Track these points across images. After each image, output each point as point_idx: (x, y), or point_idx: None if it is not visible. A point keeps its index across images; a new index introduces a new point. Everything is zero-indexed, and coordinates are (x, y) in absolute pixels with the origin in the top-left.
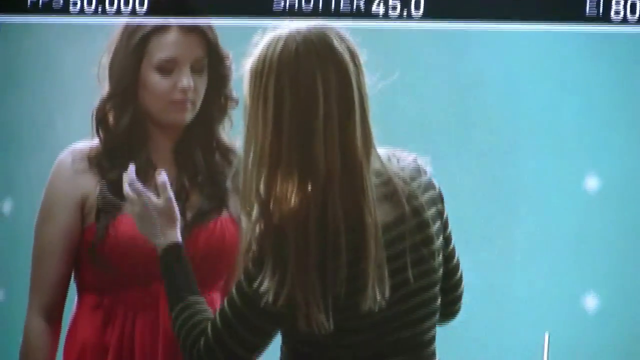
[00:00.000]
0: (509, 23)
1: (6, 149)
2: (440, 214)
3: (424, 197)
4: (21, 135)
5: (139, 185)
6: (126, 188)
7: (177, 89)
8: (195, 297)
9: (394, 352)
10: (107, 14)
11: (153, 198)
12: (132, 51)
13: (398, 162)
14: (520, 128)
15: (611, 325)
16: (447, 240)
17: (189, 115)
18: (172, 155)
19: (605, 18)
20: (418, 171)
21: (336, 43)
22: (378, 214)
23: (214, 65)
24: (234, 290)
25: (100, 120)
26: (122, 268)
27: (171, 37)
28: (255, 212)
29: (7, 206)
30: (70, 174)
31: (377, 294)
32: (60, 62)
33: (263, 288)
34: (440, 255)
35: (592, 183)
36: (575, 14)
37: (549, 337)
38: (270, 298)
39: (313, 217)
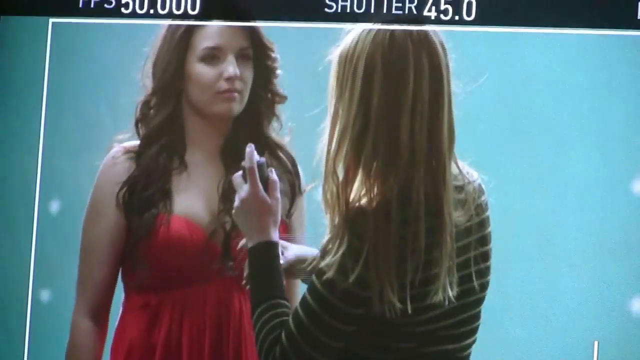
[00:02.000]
0: (559, 29)
1: (55, 149)
2: (490, 237)
3: (486, 214)
4: (69, 135)
5: (257, 176)
6: (237, 177)
7: (223, 78)
8: (280, 300)
9: None
10: (159, 15)
11: (264, 193)
12: (176, 45)
13: (468, 173)
14: (568, 131)
15: None
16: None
17: (237, 107)
18: (220, 153)
19: None
20: (482, 189)
21: (431, 33)
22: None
23: (259, 56)
24: (308, 289)
25: (142, 115)
26: (169, 268)
27: (215, 27)
28: (332, 193)
29: (55, 206)
30: (115, 172)
31: (447, 287)
32: (110, 62)
33: (340, 270)
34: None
35: (639, 186)
36: (627, 19)
37: (598, 345)
38: (349, 278)
39: (396, 198)
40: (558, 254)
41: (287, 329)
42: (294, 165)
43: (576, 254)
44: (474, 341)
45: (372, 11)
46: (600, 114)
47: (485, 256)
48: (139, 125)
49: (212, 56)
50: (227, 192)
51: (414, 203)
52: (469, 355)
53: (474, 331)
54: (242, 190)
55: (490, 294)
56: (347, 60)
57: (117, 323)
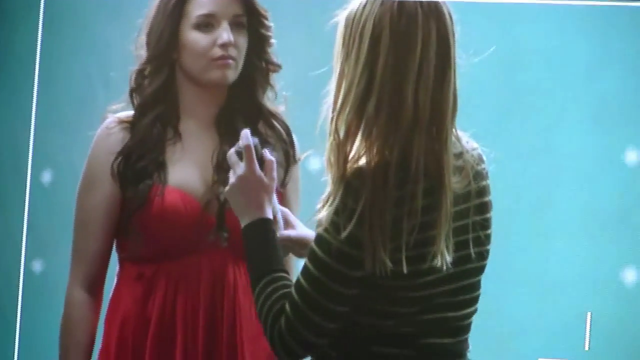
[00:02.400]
0: (555, 0)
1: (47, 121)
2: (491, 205)
3: (486, 182)
4: (62, 106)
5: (253, 154)
6: (232, 155)
7: (217, 45)
8: (281, 273)
9: (434, 332)
10: None
11: (260, 171)
12: (170, 13)
13: (467, 142)
14: (562, 103)
15: None
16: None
17: (231, 74)
18: (214, 123)
19: None
20: (482, 158)
21: (441, 3)
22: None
23: (253, 23)
24: (308, 256)
25: (137, 85)
26: (163, 239)
27: None
28: (333, 152)
29: (47, 177)
30: (110, 142)
31: (444, 251)
32: (102, 34)
33: (332, 227)
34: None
35: (631, 156)
36: None
37: (591, 316)
38: (340, 235)
39: (395, 160)
40: (551, 225)
41: (291, 298)
42: (289, 134)
43: (569, 224)
44: (474, 311)
45: None
46: (595, 85)
47: (485, 224)
48: (134, 95)
49: (206, 23)
50: (222, 163)
51: (413, 165)
52: (469, 324)
53: (473, 300)
54: (239, 168)
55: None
56: (354, 22)
57: (111, 294)
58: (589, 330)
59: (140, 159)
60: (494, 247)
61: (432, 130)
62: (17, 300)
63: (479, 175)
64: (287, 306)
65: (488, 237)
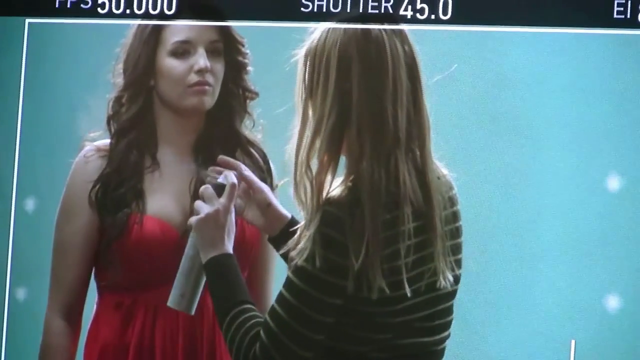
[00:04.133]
0: (536, 27)
1: (31, 148)
2: (461, 230)
3: (457, 207)
4: (46, 134)
5: (233, 190)
6: (209, 188)
7: (194, 71)
8: (250, 305)
9: (408, 357)
10: (136, 15)
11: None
12: (146, 40)
13: (438, 167)
14: (543, 130)
15: (635, 326)
16: None
17: (208, 100)
18: (192, 151)
19: (632, 21)
20: (452, 184)
21: (402, 26)
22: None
23: (230, 50)
24: (284, 284)
25: (114, 112)
26: (142, 268)
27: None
28: (305, 189)
29: (30, 204)
30: (87, 170)
31: (446, 270)
32: (87, 62)
33: (311, 257)
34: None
35: (613, 183)
36: (603, 17)
37: (575, 344)
38: (320, 265)
39: (384, 182)
40: (534, 252)
41: (265, 325)
42: (266, 161)
43: (552, 252)
44: (448, 335)
45: (348, 11)
46: (576, 112)
47: (458, 248)
48: (111, 122)
49: (182, 50)
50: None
51: (402, 187)
52: (444, 349)
53: (447, 325)
54: (216, 202)
55: (465, 294)
56: (316, 57)
57: (90, 323)
58: (573, 358)
59: (118, 186)
60: (476, 275)
61: (415, 151)
62: (2, 328)
63: (451, 201)
64: (262, 333)
65: (459, 261)
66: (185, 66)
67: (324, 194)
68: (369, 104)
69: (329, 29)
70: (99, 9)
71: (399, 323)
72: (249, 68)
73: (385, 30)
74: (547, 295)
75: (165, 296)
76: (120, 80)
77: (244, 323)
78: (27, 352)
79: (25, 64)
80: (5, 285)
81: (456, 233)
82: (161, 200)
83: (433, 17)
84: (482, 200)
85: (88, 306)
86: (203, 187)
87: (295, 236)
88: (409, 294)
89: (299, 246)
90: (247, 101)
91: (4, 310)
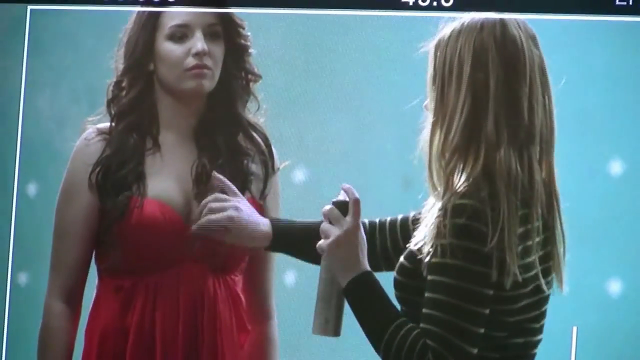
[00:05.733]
0: (536, 14)
1: (33, 132)
2: None
3: None
4: (47, 119)
5: (357, 205)
6: (333, 209)
7: (191, 54)
8: (404, 318)
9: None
10: (138, 2)
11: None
12: (145, 25)
13: None
14: None
15: (637, 310)
16: None
17: (207, 83)
18: (193, 134)
19: (635, 9)
20: None
21: (535, 33)
22: None
23: (229, 33)
24: (429, 288)
25: (114, 96)
26: (142, 251)
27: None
28: (439, 178)
29: (32, 189)
30: (88, 153)
31: (561, 274)
32: (89, 49)
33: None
34: None
35: (615, 167)
36: (604, 5)
37: (577, 331)
38: (488, 242)
39: (521, 177)
40: None
41: (428, 332)
42: (268, 144)
43: None
44: (542, 339)
45: None
46: (579, 98)
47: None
48: (111, 105)
49: (180, 34)
50: (201, 175)
51: (536, 183)
52: (536, 354)
53: (543, 328)
54: (345, 222)
55: None
56: (448, 46)
57: (90, 307)
58: (575, 345)
59: (119, 169)
60: None
61: (543, 151)
62: (4, 312)
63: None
64: (429, 341)
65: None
66: (183, 50)
67: (455, 183)
68: (505, 95)
69: (464, 22)
70: None
71: (514, 322)
72: (251, 50)
73: (521, 30)
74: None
75: (166, 280)
76: (121, 65)
77: (407, 336)
78: (30, 337)
79: (28, 50)
80: (8, 270)
81: (565, 235)
82: (162, 183)
83: (435, 4)
84: None
85: (89, 290)
86: (328, 208)
87: (421, 232)
88: (545, 288)
89: (433, 242)
90: (251, 84)
91: (6, 294)
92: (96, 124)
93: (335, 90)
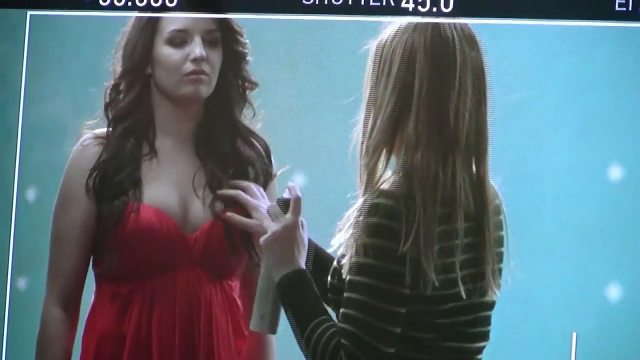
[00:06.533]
0: (537, 20)
1: (32, 138)
2: (503, 239)
3: (501, 217)
4: (47, 124)
5: (298, 203)
6: (275, 206)
7: (189, 60)
8: (326, 316)
9: None
10: (137, 8)
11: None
12: (144, 28)
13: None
14: (545, 121)
15: (636, 316)
16: None
17: (204, 89)
18: (191, 140)
19: (634, 14)
20: (497, 193)
21: (475, 34)
22: None
23: (227, 40)
24: (347, 287)
25: (111, 100)
26: (138, 256)
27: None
28: (363, 175)
29: (32, 194)
30: (85, 158)
31: (491, 277)
32: (88, 54)
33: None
34: None
35: (615, 173)
36: (605, 10)
37: (576, 337)
38: (402, 241)
39: (441, 179)
40: (535, 243)
41: (342, 331)
42: (267, 151)
43: (553, 242)
44: (485, 346)
45: (350, 3)
46: (576, 104)
47: (500, 257)
48: (108, 109)
49: (179, 39)
50: (212, 181)
51: (458, 185)
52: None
53: (486, 334)
54: (283, 220)
55: None
56: (384, 49)
57: (88, 312)
58: (574, 351)
59: (115, 174)
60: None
61: (472, 157)
62: (4, 318)
63: (497, 209)
64: (343, 340)
65: (501, 270)
66: (181, 55)
67: (376, 182)
68: (431, 98)
69: (402, 24)
70: (100, 1)
71: (443, 325)
72: (248, 58)
73: (456, 32)
74: (549, 287)
75: (162, 286)
76: (119, 68)
77: (323, 334)
78: (29, 341)
79: (27, 56)
80: (7, 275)
81: (500, 242)
82: (159, 189)
83: (435, 9)
84: None
85: (87, 296)
86: (269, 205)
87: (343, 234)
88: (463, 294)
89: (350, 243)
90: (247, 91)
91: (5, 299)
92: (93, 128)
93: (335, 95)
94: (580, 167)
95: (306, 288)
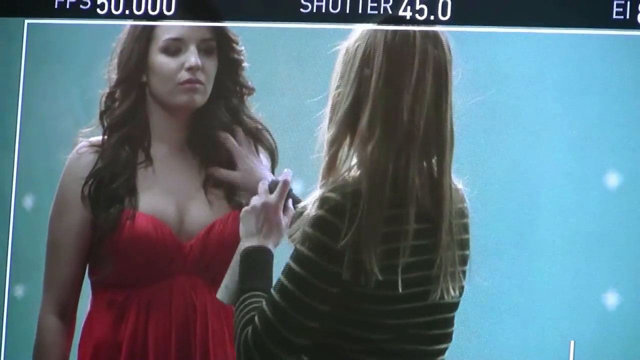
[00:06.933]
0: (534, 28)
1: (30, 146)
2: (469, 242)
3: (467, 220)
4: (44, 132)
5: (284, 187)
6: (264, 184)
7: (185, 69)
8: (261, 292)
9: None
10: (135, 16)
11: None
12: (139, 36)
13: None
14: (542, 128)
15: (634, 323)
16: None
17: (199, 98)
18: (186, 146)
19: (631, 22)
20: (463, 196)
21: (439, 32)
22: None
23: (223, 48)
24: (283, 270)
25: (106, 107)
26: (134, 264)
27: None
28: (322, 167)
29: (29, 201)
30: (80, 166)
31: (449, 280)
32: (86, 62)
33: (315, 244)
34: None
35: (612, 180)
36: (602, 18)
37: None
38: (341, 239)
39: (390, 176)
40: (532, 250)
41: (260, 310)
42: (273, 155)
43: (550, 249)
44: (446, 348)
45: (347, 12)
46: (574, 111)
47: (465, 260)
48: (104, 117)
49: (174, 47)
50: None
51: (410, 184)
52: None
53: (446, 336)
54: (267, 197)
55: (463, 295)
56: (349, 49)
57: (84, 320)
58: (572, 359)
59: (110, 182)
60: (474, 274)
61: (432, 155)
62: (2, 325)
63: (462, 212)
64: (257, 318)
65: (464, 272)
66: (176, 63)
67: (339, 177)
68: (386, 94)
69: (368, 28)
70: (98, 10)
71: (395, 326)
72: (244, 64)
73: (419, 30)
74: (546, 293)
75: (158, 293)
76: (114, 75)
77: (245, 308)
78: (26, 349)
79: (25, 64)
80: (5, 282)
81: (465, 244)
82: (154, 197)
83: (432, 17)
84: (481, 197)
85: (83, 305)
86: (261, 182)
87: (298, 220)
88: (400, 290)
89: (299, 230)
90: (245, 97)
91: (3, 307)
92: (89, 136)
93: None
94: (578, 173)
95: (260, 266)
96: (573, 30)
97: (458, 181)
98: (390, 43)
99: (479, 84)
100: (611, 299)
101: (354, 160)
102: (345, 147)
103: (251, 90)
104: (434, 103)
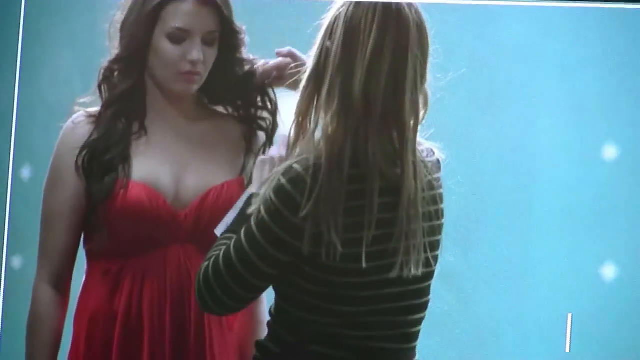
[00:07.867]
0: (532, 1)
1: (27, 117)
2: (442, 213)
3: (438, 191)
4: (42, 103)
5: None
6: (286, 138)
7: (186, 60)
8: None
9: (378, 336)
10: None
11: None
12: (147, 15)
13: (424, 151)
14: (539, 101)
15: (630, 294)
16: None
17: (195, 87)
18: (185, 121)
19: None
20: (439, 166)
21: (407, 8)
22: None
23: (225, 38)
24: (245, 226)
25: (105, 79)
26: (127, 233)
27: (186, 6)
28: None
29: (26, 172)
30: (75, 136)
31: (414, 252)
32: (84, 32)
33: (294, 203)
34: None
35: (610, 152)
36: None
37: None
38: (299, 212)
39: (349, 151)
40: (530, 223)
41: (217, 258)
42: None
43: (548, 223)
44: (423, 317)
45: None
46: (572, 84)
47: (434, 231)
48: (102, 88)
49: (180, 37)
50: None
51: (370, 159)
52: (417, 332)
53: (421, 306)
54: (284, 152)
55: (462, 269)
56: (322, 23)
57: (80, 291)
58: (570, 332)
59: (105, 152)
60: (473, 250)
61: (393, 129)
62: None
63: (431, 184)
64: (212, 260)
65: (438, 242)
66: (179, 52)
67: (299, 150)
68: (344, 66)
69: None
70: None
71: (365, 298)
72: (243, 49)
73: (385, 7)
74: (544, 266)
75: (152, 262)
76: (116, 43)
77: (219, 242)
78: (24, 320)
79: (23, 35)
80: (2, 253)
81: (435, 216)
82: (149, 166)
83: None
84: (478, 172)
85: (79, 275)
86: (283, 135)
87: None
88: (364, 265)
89: (263, 192)
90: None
91: (0, 278)
92: (86, 106)
93: None
94: (575, 146)
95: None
96: (570, 3)
97: (432, 150)
98: (351, 15)
99: (476, 58)
100: (608, 272)
101: (313, 133)
102: (311, 119)
103: (250, 63)
104: (393, 76)
